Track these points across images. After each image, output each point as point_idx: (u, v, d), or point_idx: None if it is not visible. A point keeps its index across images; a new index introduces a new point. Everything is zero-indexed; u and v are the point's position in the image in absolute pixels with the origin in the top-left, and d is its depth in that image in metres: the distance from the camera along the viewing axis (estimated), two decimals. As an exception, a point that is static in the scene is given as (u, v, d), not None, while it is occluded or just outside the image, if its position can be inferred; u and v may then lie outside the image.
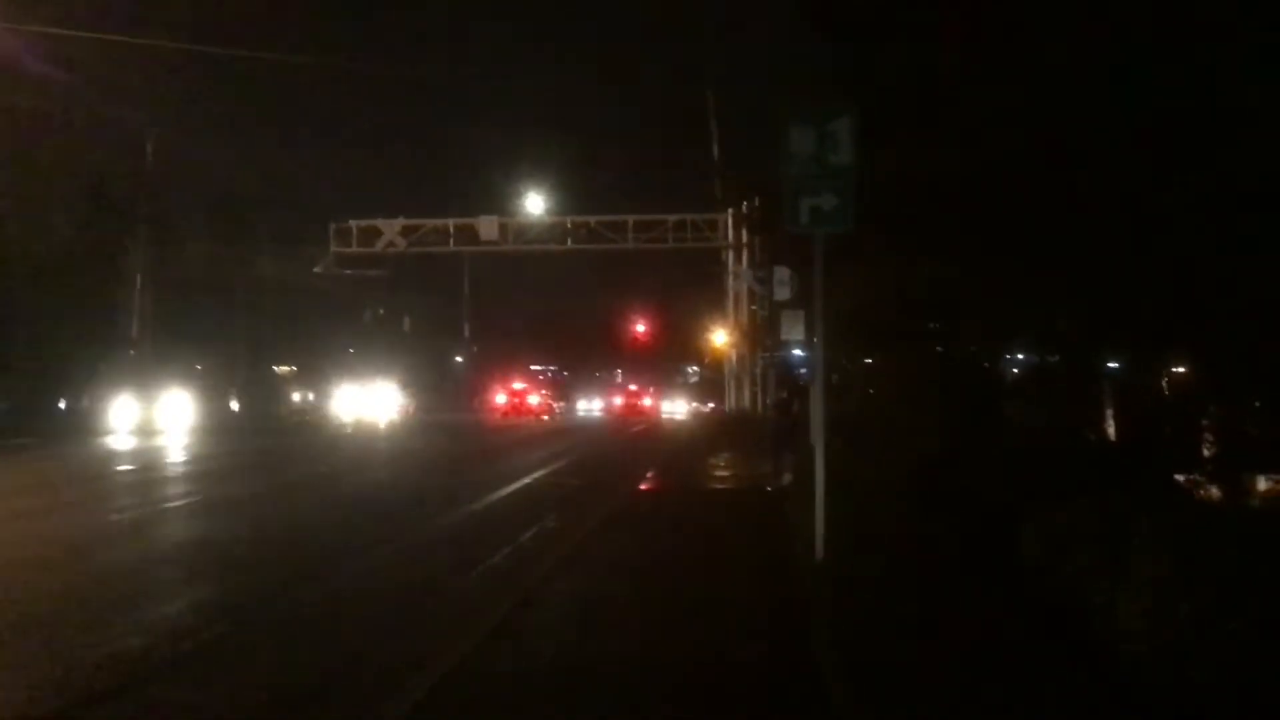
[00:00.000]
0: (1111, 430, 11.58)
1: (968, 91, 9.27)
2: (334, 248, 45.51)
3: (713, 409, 49.00)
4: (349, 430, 38.47)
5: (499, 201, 46.31)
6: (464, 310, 61.63)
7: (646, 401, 63.36)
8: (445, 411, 57.59)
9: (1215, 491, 8.94)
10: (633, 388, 66.74)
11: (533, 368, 72.97)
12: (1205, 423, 9.43)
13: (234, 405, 41.86)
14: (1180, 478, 9.27)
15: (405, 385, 56.24)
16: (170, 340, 43.04)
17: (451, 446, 29.44)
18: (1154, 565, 5.49)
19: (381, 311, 64.32)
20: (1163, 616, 5.13)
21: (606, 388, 76.55)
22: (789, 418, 18.26)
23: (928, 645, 6.18)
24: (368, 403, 49.64)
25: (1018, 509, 8.14)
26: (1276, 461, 8.86)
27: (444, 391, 63.20)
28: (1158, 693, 4.86)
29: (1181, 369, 11.09)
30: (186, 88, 43.08)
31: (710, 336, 50.86)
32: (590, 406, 66.79)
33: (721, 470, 19.80)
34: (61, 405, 33.90)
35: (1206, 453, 9.35)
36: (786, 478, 15.75)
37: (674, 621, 7.30)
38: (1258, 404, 8.77)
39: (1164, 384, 11.20)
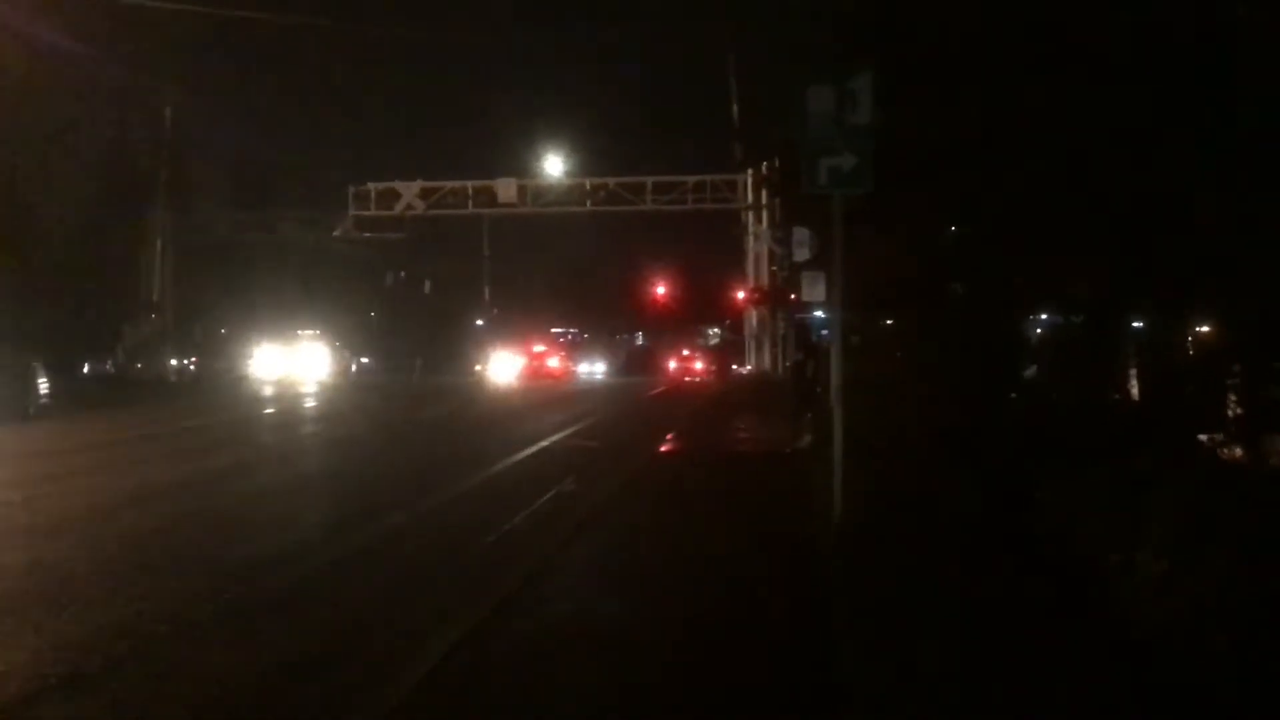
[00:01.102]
0: (1135, 391, 11.48)
1: (988, 47, 9.11)
2: (352, 211, 45.55)
3: (749, 370, 48.70)
4: (259, 399, 30.54)
5: (518, 163, 46.20)
6: (485, 273, 61.67)
7: (698, 364, 63.15)
8: (432, 373, 52.62)
9: (1239, 452, 8.87)
10: (685, 352, 66.76)
11: (554, 330, 72.79)
12: (1229, 383, 9.33)
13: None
14: (1204, 438, 9.20)
15: (339, 342, 48.61)
16: (191, 305, 43.09)
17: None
18: (1171, 528, 5.47)
19: (403, 275, 64.48)
20: (1180, 581, 5.11)
21: (629, 349, 76.28)
22: (805, 380, 18.23)
23: (938, 598, 6.23)
24: (294, 362, 42.30)
25: (1038, 470, 8.11)
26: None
27: (464, 354, 63.13)
28: (1175, 659, 4.85)
29: (1206, 328, 10.96)
30: (205, 52, 43.05)
31: (731, 297, 50.67)
32: (592, 369, 65.71)
33: (741, 433, 19.83)
34: None
35: (1230, 413, 9.26)
36: (806, 439, 15.74)
37: (690, 576, 7.41)
38: (1278, 364, 8.67)
39: (1188, 344, 11.08)
